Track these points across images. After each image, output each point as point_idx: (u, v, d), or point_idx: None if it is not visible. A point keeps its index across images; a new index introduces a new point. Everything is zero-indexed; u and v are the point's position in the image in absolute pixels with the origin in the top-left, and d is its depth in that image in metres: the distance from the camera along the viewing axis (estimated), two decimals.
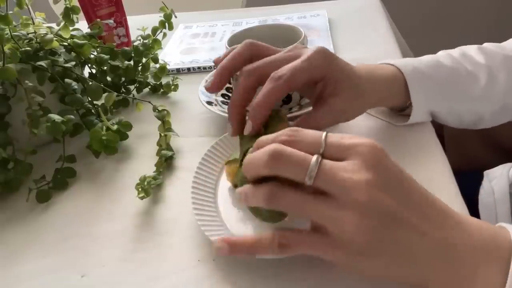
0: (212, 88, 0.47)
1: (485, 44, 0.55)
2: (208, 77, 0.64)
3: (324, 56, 0.43)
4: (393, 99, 0.51)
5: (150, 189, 0.48)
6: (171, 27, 0.70)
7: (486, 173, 0.62)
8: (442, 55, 0.54)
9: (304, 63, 0.42)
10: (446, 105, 0.52)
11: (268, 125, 0.43)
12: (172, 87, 0.69)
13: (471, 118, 0.53)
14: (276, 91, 0.41)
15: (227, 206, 0.45)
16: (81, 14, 0.66)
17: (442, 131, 0.72)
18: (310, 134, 0.33)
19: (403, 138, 0.52)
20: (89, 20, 0.75)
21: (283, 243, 0.33)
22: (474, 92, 0.51)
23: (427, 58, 0.53)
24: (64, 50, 0.60)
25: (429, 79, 0.50)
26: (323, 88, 0.45)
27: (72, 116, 0.53)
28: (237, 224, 0.43)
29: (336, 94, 0.45)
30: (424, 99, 0.51)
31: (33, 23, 0.58)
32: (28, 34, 0.56)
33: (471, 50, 0.54)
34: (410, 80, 0.50)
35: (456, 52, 0.54)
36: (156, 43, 0.69)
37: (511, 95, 0.52)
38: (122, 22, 0.78)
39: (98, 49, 0.64)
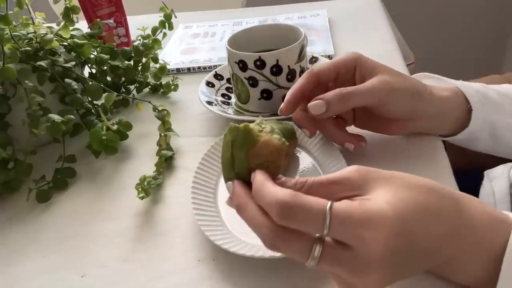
0: (285, 110, 0.47)
1: None
2: (208, 76, 0.64)
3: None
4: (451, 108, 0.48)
5: (150, 189, 0.48)
6: (171, 27, 0.70)
7: (487, 173, 0.62)
8: None
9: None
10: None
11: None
12: (172, 87, 0.69)
13: None
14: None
15: (227, 206, 0.45)
16: (81, 14, 0.66)
17: None
18: (309, 209, 0.28)
19: (403, 138, 0.52)
20: (89, 20, 0.75)
21: None
22: None
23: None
24: (64, 50, 0.60)
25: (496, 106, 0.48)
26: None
27: (72, 116, 0.53)
28: (237, 224, 0.43)
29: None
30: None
31: (33, 23, 0.58)
32: (28, 34, 0.56)
33: None
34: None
35: None
36: (156, 43, 0.69)
37: None
38: (122, 22, 0.78)
39: (98, 49, 0.64)
